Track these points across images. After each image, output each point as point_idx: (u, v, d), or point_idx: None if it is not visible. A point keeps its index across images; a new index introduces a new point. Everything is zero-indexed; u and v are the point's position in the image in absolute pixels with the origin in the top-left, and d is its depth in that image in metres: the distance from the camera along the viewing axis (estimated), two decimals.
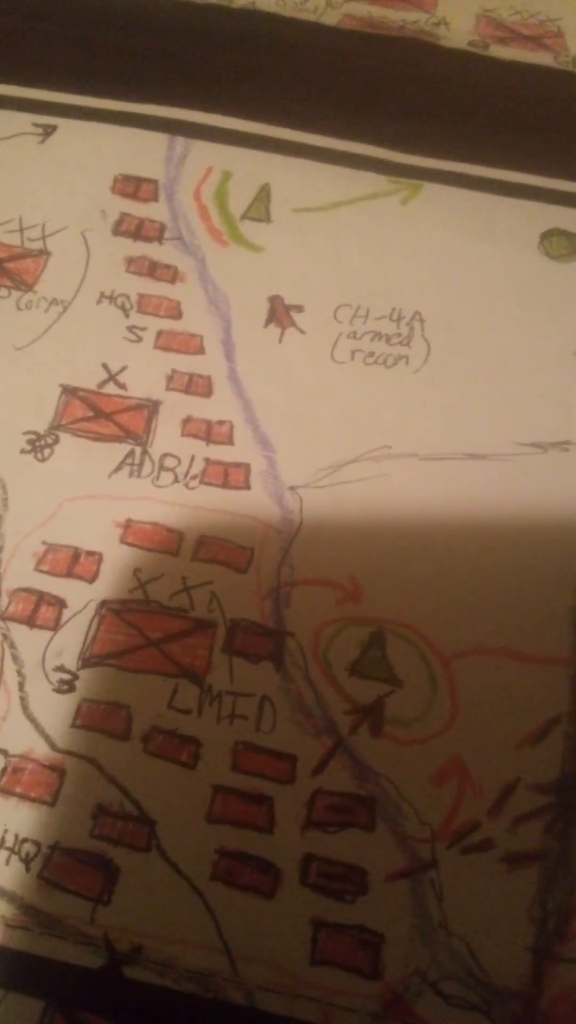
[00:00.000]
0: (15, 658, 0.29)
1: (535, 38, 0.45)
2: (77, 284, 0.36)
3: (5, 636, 0.29)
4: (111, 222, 0.38)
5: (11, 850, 0.26)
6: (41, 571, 0.31)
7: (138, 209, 0.38)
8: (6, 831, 0.27)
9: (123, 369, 0.34)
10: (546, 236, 0.38)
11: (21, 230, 0.37)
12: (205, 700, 0.29)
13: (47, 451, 0.33)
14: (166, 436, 0.33)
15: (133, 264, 0.37)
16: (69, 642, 0.29)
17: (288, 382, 0.34)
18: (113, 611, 0.30)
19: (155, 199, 0.39)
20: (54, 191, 0.38)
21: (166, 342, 0.35)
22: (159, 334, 0.35)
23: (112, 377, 0.34)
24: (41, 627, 0.30)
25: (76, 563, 0.31)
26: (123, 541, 0.31)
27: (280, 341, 0.35)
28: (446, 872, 0.27)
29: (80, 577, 0.30)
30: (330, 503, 0.32)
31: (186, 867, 0.26)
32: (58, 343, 0.35)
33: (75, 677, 0.29)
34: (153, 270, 0.37)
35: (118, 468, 0.32)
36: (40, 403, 0.34)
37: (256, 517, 0.32)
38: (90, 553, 0.31)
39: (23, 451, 0.33)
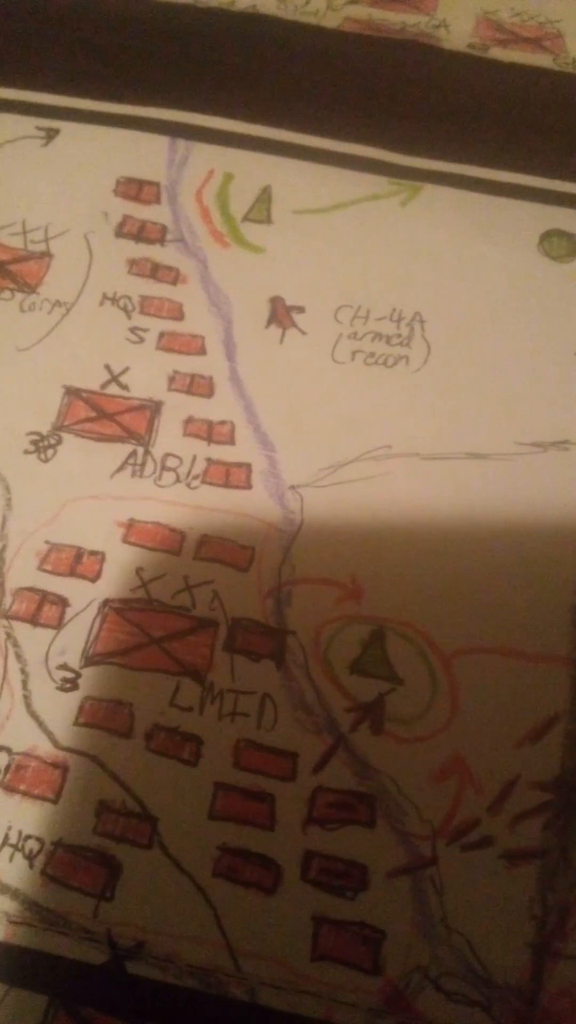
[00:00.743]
0: (19, 656, 0.29)
1: (535, 40, 0.45)
2: (80, 286, 0.36)
3: (9, 635, 0.30)
4: (113, 224, 0.38)
5: (15, 847, 0.27)
6: (44, 570, 0.31)
7: (140, 211, 0.39)
8: (10, 828, 0.27)
9: (125, 370, 0.35)
10: (546, 237, 0.38)
11: (24, 233, 0.38)
12: (207, 698, 0.29)
13: (50, 452, 0.33)
14: (168, 436, 0.33)
15: (135, 266, 0.37)
16: (72, 641, 0.30)
17: (289, 382, 0.35)
18: (116, 610, 0.30)
19: (157, 201, 0.39)
20: (57, 194, 0.39)
21: (168, 343, 0.35)
22: (161, 335, 0.36)
23: (115, 378, 0.35)
24: (44, 626, 0.30)
25: (79, 562, 0.31)
26: (125, 541, 0.31)
27: (281, 342, 0.36)
28: (446, 869, 0.27)
29: (83, 576, 0.31)
30: (331, 502, 0.32)
31: (188, 863, 0.27)
32: (61, 345, 0.35)
33: (78, 675, 0.29)
34: (155, 272, 0.37)
35: (120, 468, 0.33)
36: (43, 404, 0.34)
37: (257, 516, 0.32)
38: (93, 553, 0.31)
39: (26, 452, 0.33)
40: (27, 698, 0.29)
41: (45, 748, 0.28)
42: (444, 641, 0.30)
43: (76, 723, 0.28)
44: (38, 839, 0.27)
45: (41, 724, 0.28)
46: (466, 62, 0.44)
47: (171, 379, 0.35)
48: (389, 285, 0.37)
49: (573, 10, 0.47)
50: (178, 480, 0.33)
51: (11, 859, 0.26)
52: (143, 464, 0.33)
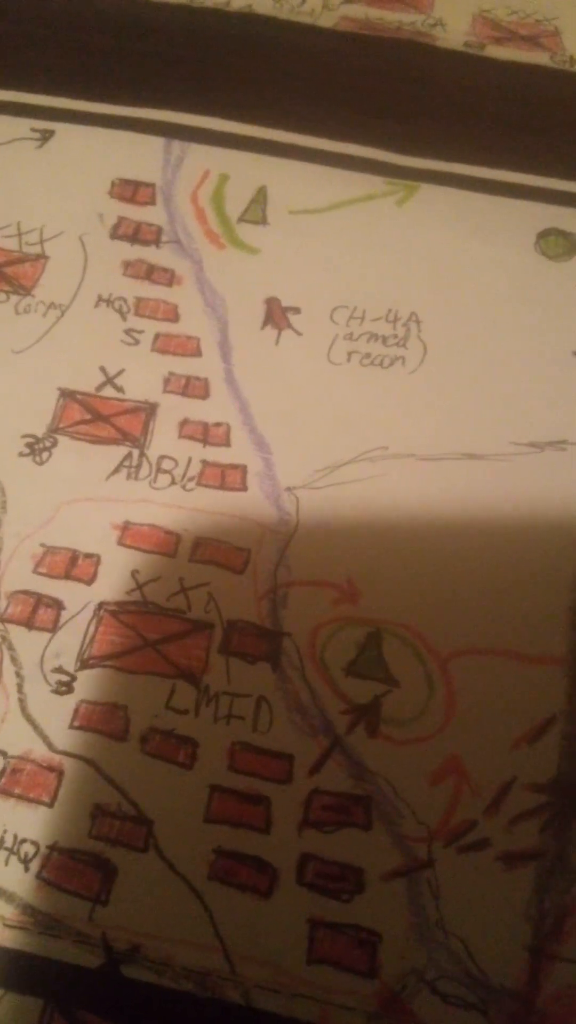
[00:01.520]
0: (14, 660, 0.29)
1: (531, 38, 0.45)
2: (75, 288, 0.36)
3: (4, 638, 0.30)
4: (109, 226, 0.38)
5: (10, 850, 0.27)
6: (39, 573, 0.31)
7: (135, 213, 0.38)
8: (5, 831, 0.27)
9: (121, 372, 0.35)
10: (543, 236, 0.38)
11: (19, 235, 0.38)
12: (202, 700, 0.29)
13: (45, 454, 0.33)
14: (163, 438, 0.33)
15: (130, 267, 0.37)
16: (67, 644, 0.30)
17: (285, 384, 0.35)
18: (111, 613, 0.30)
19: (152, 203, 0.39)
20: (52, 196, 0.39)
21: (163, 345, 0.35)
22: (156, 337, 0.35)
23: (110, 380, 0.34)
24: (40, 629, 0.30)
25: (74, 565, 0.31)
26: (121, 543, 0.31)
27: (277, 343, 0.36)
28: (443, 871, 0.27)
29: (78, 579, 0.31)
30: (327, 504, 0.32)
31: (183, 867, 0.26)
32: (56, 347, 0.35)
33: (73, 678, 0.29)
34: (150, 273, 0.37)
35: (116, 470, 0.33)
36: (38, 406, 0.34)
37: (253, 518, 0.32)
38: (88, 555, 0.31)
39: (21, 454, 0.33)
40: (22, 702, 0.29)
41: (40, 752, 0.28)
42: (440, 642, 0.30)
43: (71, 726, 0.28)
44: (33, 843, 0.27)
45: (36, 727, 0.28)
46: (462, 60, 0.44)
47: (166, 381, 0.35)
48: (385, 285, 0.37)
49: (569, 7, 0.47)
50: (173, 482, 0.32)
51: (6, 863, 0.26)
52: (138, 466, 0.33)
